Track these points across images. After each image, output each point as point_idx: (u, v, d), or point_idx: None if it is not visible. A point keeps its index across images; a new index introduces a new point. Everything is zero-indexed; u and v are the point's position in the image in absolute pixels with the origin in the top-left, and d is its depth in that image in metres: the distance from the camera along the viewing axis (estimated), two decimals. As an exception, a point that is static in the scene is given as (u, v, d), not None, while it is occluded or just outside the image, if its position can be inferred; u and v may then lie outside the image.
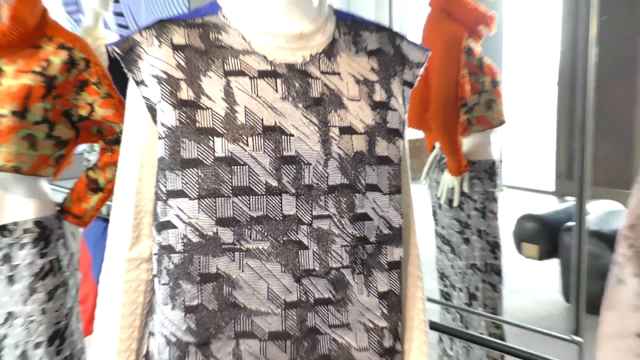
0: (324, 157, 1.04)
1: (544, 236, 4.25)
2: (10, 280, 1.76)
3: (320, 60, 1.09)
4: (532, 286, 4.49)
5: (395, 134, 1.11)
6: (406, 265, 1.19)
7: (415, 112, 2.66)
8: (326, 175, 1.04)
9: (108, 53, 1.07)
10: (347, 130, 1.06)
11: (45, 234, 1.80)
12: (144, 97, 1.04)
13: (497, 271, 2.71)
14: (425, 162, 2.81)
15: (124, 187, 1.09)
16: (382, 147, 1.09)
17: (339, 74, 1.09)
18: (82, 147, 1.91)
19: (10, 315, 1.77)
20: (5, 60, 1.74)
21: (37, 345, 1.76)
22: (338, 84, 1.08)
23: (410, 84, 1.16)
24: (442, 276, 2.77)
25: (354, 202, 1.06)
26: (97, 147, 2.00)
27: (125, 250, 1.09)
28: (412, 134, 3.73)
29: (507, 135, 7.31)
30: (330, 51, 1.10)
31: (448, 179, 2.64)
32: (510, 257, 4.15)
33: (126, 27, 7.11)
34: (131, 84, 1.06)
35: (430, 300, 2.63)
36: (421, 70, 1.18)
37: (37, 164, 1.76)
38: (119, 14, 6.99)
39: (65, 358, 1.82)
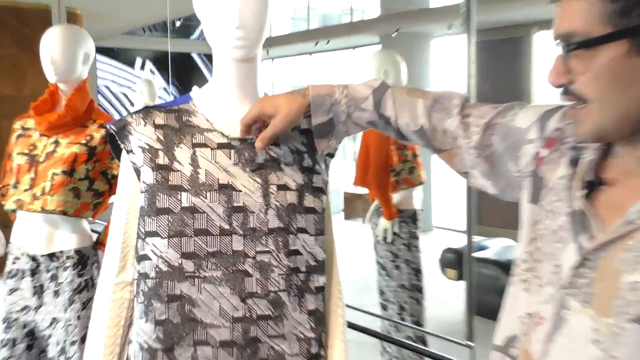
0: (265, 207, 0.93)
1: (461, 263, 3.62)
2: (56, 293, 1.58)
3: None
4: (453, 301, 3.77)
5: (319, 191, 0.99)
6: (329, 289, 1.03)
7: (360, 175, 2.43)
8: (266, 220, 0.93)
9: (106, 129, 0.93)
10: (283, 187, 0.95)
11: (83, 259, 1.60)
12: (132, 162, 0.93)
13: (420, 289, 2.43)
14: (368, 210, 2.57)
15: (115, 228, 0.95)
16: (309, 200, 0.97)
17: (278, 145, 0.96)
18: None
19: (54, 320, 1.58)
20: (61, 135, 1.60)
21: (72, 343, 1.57)
22: (277, 152, 0.96)
23: (331, 155, 1.02)
24: (381, 293, 2.50)
25: (288, 241, 0.94)
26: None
27: (114, 276, 0.95)
28: (361, 190, 3.50)
29: (438, 188, 6.75)
30: None
31: (383, 222, 2.42)
32: (437, 278, 3.72)
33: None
34: (124, 152, 0.94)
35: (368, 313, 2.52)
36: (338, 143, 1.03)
37: (79, 209, 1.58)
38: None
39: None
